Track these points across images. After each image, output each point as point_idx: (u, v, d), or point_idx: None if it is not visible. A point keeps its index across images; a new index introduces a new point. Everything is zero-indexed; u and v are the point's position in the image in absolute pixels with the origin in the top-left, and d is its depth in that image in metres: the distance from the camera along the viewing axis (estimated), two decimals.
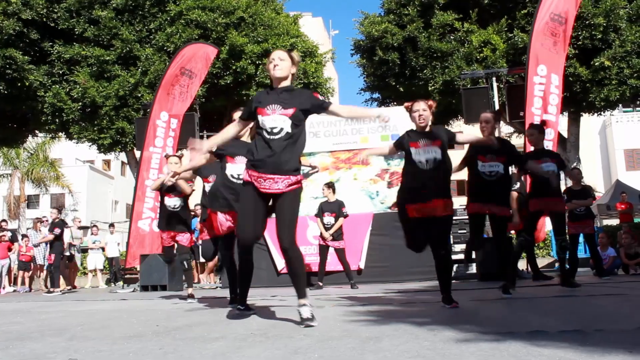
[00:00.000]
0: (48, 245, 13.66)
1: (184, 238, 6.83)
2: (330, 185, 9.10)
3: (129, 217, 13.10)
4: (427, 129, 4.42)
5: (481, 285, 7.85)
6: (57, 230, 11.33)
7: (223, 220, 4.86)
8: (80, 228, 15.90)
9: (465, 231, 9.79)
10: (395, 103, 16.08)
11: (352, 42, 15.79)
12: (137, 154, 13.85)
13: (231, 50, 14.01)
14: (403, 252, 9.45)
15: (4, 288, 13.70)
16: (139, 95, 14.05)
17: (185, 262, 6.94)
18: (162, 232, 7.00)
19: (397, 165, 11.37)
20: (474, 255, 9.24)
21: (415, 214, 4.34)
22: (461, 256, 9.84)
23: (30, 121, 16.40)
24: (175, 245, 7.11)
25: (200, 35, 13.95)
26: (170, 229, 6.87)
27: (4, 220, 15.17)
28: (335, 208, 8.85)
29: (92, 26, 14.37)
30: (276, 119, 3.59)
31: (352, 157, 11.67)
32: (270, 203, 3.70)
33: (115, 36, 14.24)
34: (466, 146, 5.26)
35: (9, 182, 30.26)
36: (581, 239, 9.19)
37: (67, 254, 12.94)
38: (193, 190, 6.81)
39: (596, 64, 12.62)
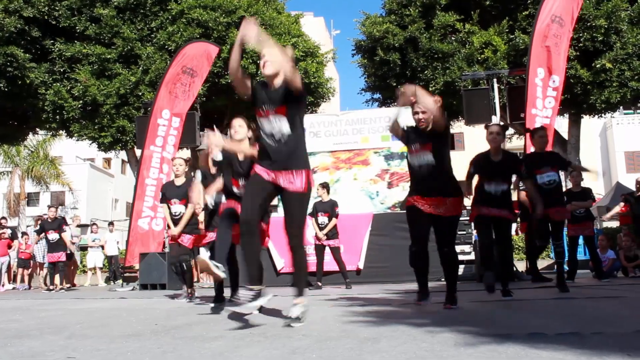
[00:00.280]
0: (47, 244, 13.66)
1: (185, 239, 6.83)
2: (325, 186, 9.14)
3: (129, 215, 13.10)
4: (428, 128, 4.39)
5: (480, 286, 7.84)
6: (65, 227, 11.44)
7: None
8: (79, 226, 15.91)
9: (464, 232, 9.77)
10: (395, 103, 16.05)
11: (353, 42, 15.80)
12: (138, 152, 13.84)
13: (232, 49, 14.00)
14: (403, 253, 9.45)
15: (3, 285, 13.69)
16: (140, 93, 14.05)
17: (184, 264, 6.93)
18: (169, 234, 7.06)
19: (397, 165, 11.38)
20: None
21: (421, 205, 4.36)
22: (461, 257, 9.84)
23: (31, 119, 16.41)
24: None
25: (201, 34, 13.95)
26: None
27: (3, 218, 15.17)
28: (328, 208, 8.90)
29: (93, 24, 14.36)
30: (273, 124, 3.60)
31: (353, 157, 11.68)
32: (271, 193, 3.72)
33: (117, 34, 14.24)
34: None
35: (9, 180, 30.27)
36: (581, 240, 9.20)
37: (68, 252, 12.94)
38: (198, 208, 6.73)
39: (597, 66, 12.62)
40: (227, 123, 4.76)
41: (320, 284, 8.87)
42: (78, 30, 14.38)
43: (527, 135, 7.88)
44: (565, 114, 14.80)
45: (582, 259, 9.91)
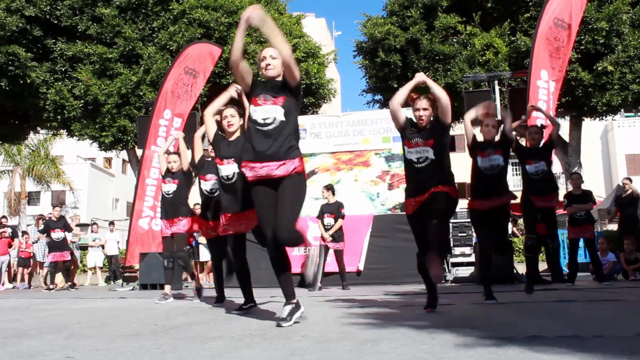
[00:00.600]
0: (51, 243, 13.68)
1: (180, 225, 6.77)
2: (329, 188, 9.21)
3: (129, 215, 13.10)
4: (427, 126, 4.35)
5: (480, 288, 7.83)
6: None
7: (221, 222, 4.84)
8: (79, 225, 15.91)
9: (464, 234, 9.77)
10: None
11: (355, 43, 15.79)
12: (139, 152, 13.85)
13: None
14: (403, 254, 9.50)
15: (3, 284, 13.70)
16: (141, 93, 14.06)
17: (179, 260, 6.89)
18: (163, 221, 6.99)
19: (399, 167, 11.37)
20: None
21: (413, 209, 4.31)
22: (461, 259, 9.84)
23: (32, 118, 16.41)
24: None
25: (202, 34, 13.96)
26: (166, 217, 6.85)
27: (4, 217, 15.17)
28: (334, 209, 8.96)
29: (95, 24, 14.37)
30: (267, 110, 3.60)
31: (354, 159, 11.67)
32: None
33: (118, 34, 14.25)
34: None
35: (10, 179, 30.28)
36: (581, 243, 9.20)
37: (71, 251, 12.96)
38: (190, 168, 6.78)
39: (599, 68, 12.62)
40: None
41: (319, 284, 8.90)
42: (80, 30, 14.39)
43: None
44: (566, 117, 14.79)
45: (582, 262, 9.90)
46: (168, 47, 14.08)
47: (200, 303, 6.18)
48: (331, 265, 9.27)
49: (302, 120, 10.87)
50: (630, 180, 10.81)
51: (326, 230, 8.93)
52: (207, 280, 12.44)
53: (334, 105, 30.50)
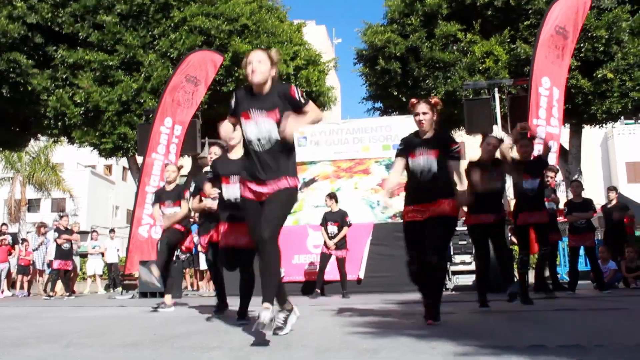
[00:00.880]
0: (47, 250, 13.70)
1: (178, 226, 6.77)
2: (332, 196, 9.24)
3: (129, 222, 13.09)
4: (429, 133, 4.31)
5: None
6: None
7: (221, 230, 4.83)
8: (79, 233, 15.88)
9: (465, 242, 9.74)
10: (397, 112, 16.07)
11: (355, 51, 15.82)
12: (139, 159, 13.84)
13: (234, 57, 14.03)
14: (403, 263, 9.45)
15: (2, 292, 13.67)
16: (142, 100, 14.07)
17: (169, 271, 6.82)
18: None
19: None
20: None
21: (410, 216, 4.29)
22: (462, 267, 9.81)
23: (33, 125, 16.41)
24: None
25: (203, 41, 13.99)
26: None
27: (4, 224, 15.16)
28: (339, 217, 9.00)
29: (96, 31, 14.40)
30: (261, 128, 3.43)
31: (354, 167, 11.66)
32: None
33: (119, 41, 14.28)
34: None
35: (10, 186, 30.28)
36: (582, 251, 9.18)
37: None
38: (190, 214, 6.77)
39: (598, 76, 12.63)
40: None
41: (319, 291, 8.90)
42: (81, 37, 14.41)
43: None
44: (566, 124, 14.79)
45: (583, 270, 9.88)
46: (169, 54, 14.10)
47: (200, 312, 6.15)
48: (332, 274, 9.26)
49: (303, 128, 10.87)
50: (615, 190, 10.80)
51: (330, 238, 8.96)
52: (207, 288, 12.42)
53: (334, 113, 30.56)
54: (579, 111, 13.43)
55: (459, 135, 16.59)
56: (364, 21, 16.38)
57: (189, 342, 3.34)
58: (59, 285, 12.42)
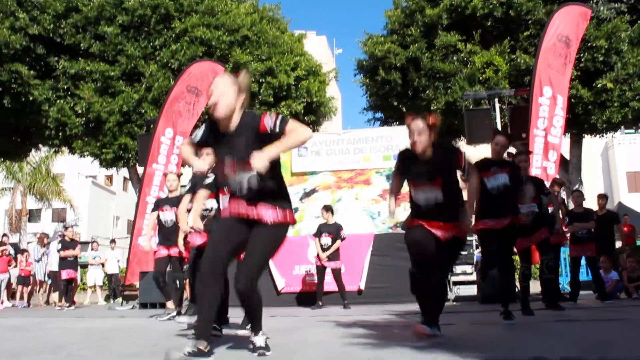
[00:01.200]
0: (48, 261, 13.69)
1: (175, 251, 6.78)
2: (328, 209, 9.23)
3: (130, 233, 13.09)
4: (426, 153, 3.92)
5: (482, 308, 7.79)
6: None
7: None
8: (80, 243, 15.85)
9: (466, 252, 9.71)
10: (397, 123, 16.10)
11: (355, 61, 15.88)
12: (140, 169, 13.86)
13: (235, 67, 14.09)
14: (404, 273, 9.41)
15: (2, 303, 13.62)
16: (143, 111, 14.11)
17: (177, 281, 6.90)
18: (160, 247, 6.99)
19: None
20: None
21: (419, 223, 3.92)
22: (463, 278, 9.78)
23: (34, 135, 16.45)
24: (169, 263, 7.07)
25: (204, 52, 14.05)
26: (165, 244, 6.85)
27: (5, 235, 15.15)
28: (333, 230, 8.98)
29: (97, 42, 14.48)
30: (238, 176, 3.08)
31: (354, 177, 11.66)
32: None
33: (121, 52, 14.34)
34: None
35: (11, 196, 30.28)
36: (583, 261, 9.14)
37: None
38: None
39: (598, 86, 12.67)
40: None
41: (320, 303, 8.86)
42: (82, 48, 14.48)
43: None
44: (566, 134, 14.82)
45: (584, 280, 9.84)
46: (170, 65, 14.16)
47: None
48: (331, 285, 9.23)
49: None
50: (606, 198, 10.75)
51: (323, 250, 8.95)
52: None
53: (335, 123, 30.58)
54: (580, 121, 13.45)
55: (460, 145, 16.63)
56: (365, 31, 16.46)
57: None
58: (57, 295, 12.45)
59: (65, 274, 12.10)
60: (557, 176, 10.10)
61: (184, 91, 11.79)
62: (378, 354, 3.06)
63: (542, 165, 10.16)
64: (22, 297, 14.40)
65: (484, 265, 5.90)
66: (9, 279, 14.26)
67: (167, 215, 6.75)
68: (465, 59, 13.73)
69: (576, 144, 14.75)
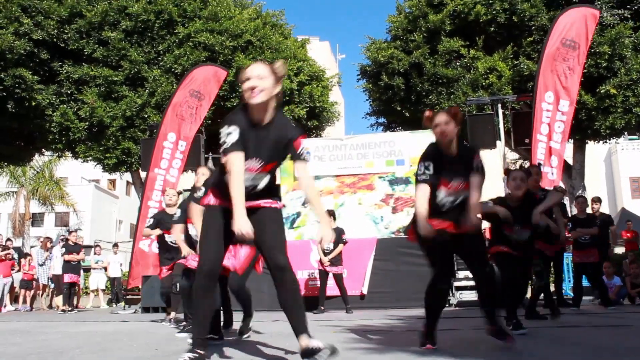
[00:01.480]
0: (51, 264, 13.71)
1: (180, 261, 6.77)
2: (331, 213, 9.24)
3: (132, 237, 13.11)
4: (454, 148, 3.69)
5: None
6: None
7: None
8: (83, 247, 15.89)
9: None
10: (400, 128, 16.11)
11: (358, 67, 15.90)
12: (142, 174, 13.88)
13: (238, 73, 14.12)
14: (406, 278, 9.45)
15: (5, 307, 13.65)
16: (146, 116, 14.14)
17: (176, 285, 6.87)
18: (163, 267, 6.97)
19: (402, 190, 11.35)
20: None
21: (442, 226, 3.61)
22: (465, 283, 9.76)
23: (37, 139, 16.50)
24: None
25: (207, 57, 14.07)
26: (170, 264, 6.83)
27: (9, 239, 15.19)
28: (335, 234, 8.93)
29: (101, 47, 14.53)
30: (255, 177, 2.97)
31: (357, 182, 11.66)
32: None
33: (124, 57, 14.39)
34: None
35: (15, 200, 30.36)
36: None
37: None
38: None
39: (602, 91, 12.65)
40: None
41: (322, 307, 8.86)
42: (86, 53, 14.53)
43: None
44: (569, 140, 14.80)
45: (587, 286, 9.81)
46: (173, 70, 14.19)
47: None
48: (333, 289, 9.24)
49: (306, 143, 10.90)
50: (600, 201, 10.70)
51: (325, 254, 8.97)
52: None
53: (338, 128, 30.63)
54: (583, 127, 13.43)
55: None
56: (368, 36, 16.47)
57: None
58: (60, 299, 12.47)
59: (67, 278, 12.17)
60: (560, 182, 10.07)
61: (186, 95, 11.80)
62: (380, 359, 3.05)
63: (545, 171, 10.14)
64: (25, 301, 14.43)
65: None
66: (12, 283, 14.29)
67: (172, 237, 6.65)
68: (468, 64, 13.73)
69: (579, 150, 14.73)
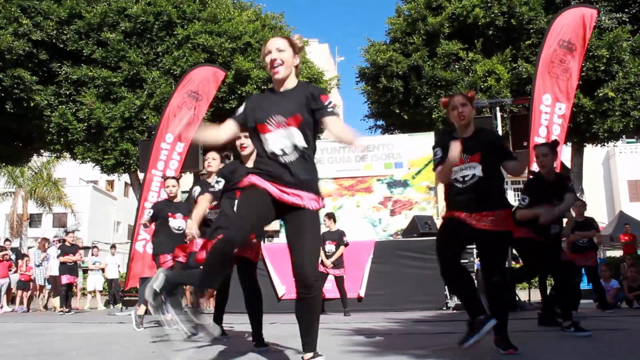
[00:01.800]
0: (47, 265, 13.68)
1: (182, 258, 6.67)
2: (331, 216, 9.29)
3: (130, 238, 13.09)
4: (470, 128, 3.70)
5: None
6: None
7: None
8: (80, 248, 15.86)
9: (467, 260, 9.69)
10: (399, 130, 16.13)
11: (357, 69, 15.92)
12: (140, 175, 13.87)
13: (237, 74, 14.13)
14: (404, 281, 9.44)
15: (1, 308, 13.61)
16: (144, 117, 14.14)
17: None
18: (163, 255, 6.77)
19: (400, 193, 11.36)
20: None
21: (462, 218, 3.51)
22: None
23: (36, 140, 16.49)
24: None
25: (206, 59, 14.08)
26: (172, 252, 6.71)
27: (7, 240, 15.17)
28: (336, 237, 9.04)
29: (100, 48, 14.53)
30: (282, 136, 2.86)
31: (355, 185, 11.66)
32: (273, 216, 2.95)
33: (123, 58, 14.39)
34: None
35: (13, 201, 30.33)
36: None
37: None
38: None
39: (600, 95, 12.68)
40: (231, 147, 4.47)
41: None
42: (85, 54, 14.54)
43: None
44: (568, 143, 14.82)
45: (585, 289, 9.81)
46: (172, 71, 14.20)
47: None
48: (332, 292, 9.23)
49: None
50: (584, 205, 10.68)
51: (327, 257, 8.99)
52: (206, 305, 12.34)
53: None
54: (581, 130, 13.47)
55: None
56: (367, 38, 16.50)
57: None
58: (57, 300, 12.43)
59: (65, 279, 12.13)
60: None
61: (184, 96, 11.78)
62: None
63: None
64: (21, 302, 14.39)
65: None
66: (9, 284, 14.25)
67: (179, 222, 6.51)
68: (466, 67, 13.76)
69: (577, 153, 14.76)
